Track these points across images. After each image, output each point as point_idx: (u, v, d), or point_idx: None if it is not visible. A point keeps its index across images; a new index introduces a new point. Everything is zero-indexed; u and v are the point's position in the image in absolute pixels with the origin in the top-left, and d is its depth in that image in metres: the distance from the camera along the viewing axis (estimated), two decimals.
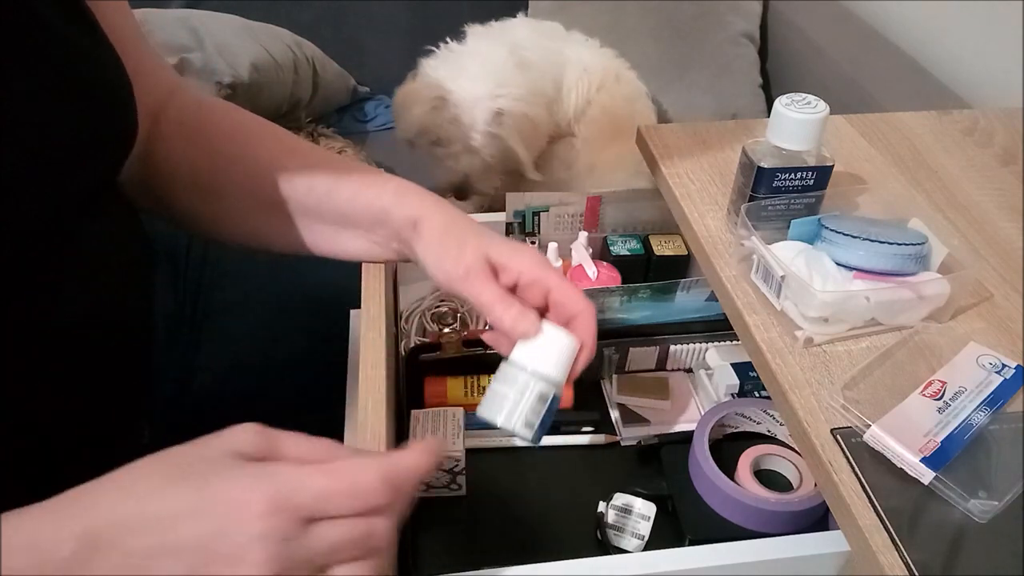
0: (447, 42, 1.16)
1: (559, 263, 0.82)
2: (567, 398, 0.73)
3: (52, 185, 0.45)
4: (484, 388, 0.72)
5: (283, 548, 0.35)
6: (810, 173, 0.60)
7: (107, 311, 0.55)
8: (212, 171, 0.59)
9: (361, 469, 0.37)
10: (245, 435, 0.38)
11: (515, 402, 0.50)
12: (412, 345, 0.75)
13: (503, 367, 0.52)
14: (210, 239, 0.64)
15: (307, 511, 0.36)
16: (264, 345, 0.76)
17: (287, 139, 0.61)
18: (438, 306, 0.84)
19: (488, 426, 0.70)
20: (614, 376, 0.76)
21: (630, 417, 0.73)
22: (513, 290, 0.53)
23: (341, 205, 0.57)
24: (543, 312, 0.53)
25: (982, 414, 0.49)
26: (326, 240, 0.59)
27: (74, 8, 0.48)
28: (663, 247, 0.82)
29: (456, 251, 0.53)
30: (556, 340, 0.51)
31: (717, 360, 0.74)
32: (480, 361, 0.73)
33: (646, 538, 0.61)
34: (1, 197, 0.42)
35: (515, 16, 1.38)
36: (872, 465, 0.46)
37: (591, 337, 0.52)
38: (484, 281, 0.52)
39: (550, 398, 0.51)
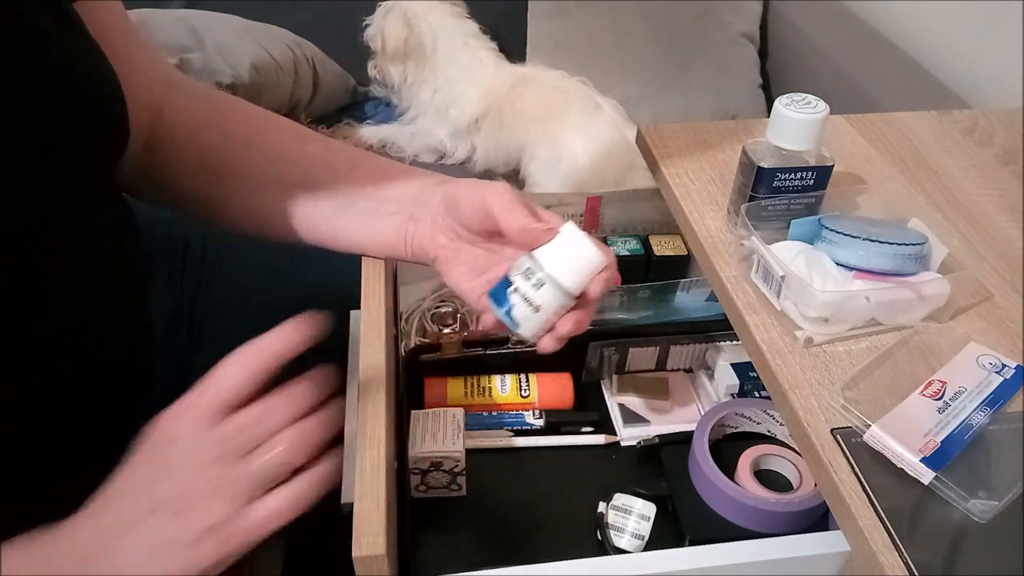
0: None
1: None
2: (567, 398, 0.73)
3: (38, 182, 0.45)
4: (484, 388, 0.73)
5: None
6: (810, 173, 0.60)
7: (101, 310, 0.55)
8: (224, 153, 0.59)
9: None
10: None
11: (521, 294, 0.49)
12: (412, 345, 0.75)
13: (520, 259, 0.50)
14: (207, 222, 0.63)
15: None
16: None
17: (306, 129, 0.63)
18: (438, 306, 0.84)
19: (487, 426, 0.71)
20: (614, 376, 0.76)
21: (630, 417, 0.73)
22: None
23: (360, 178, 0.57)
24: None
25: (982, 414, 0.49)
26: (328, 219, 0.59)
27: (56, 6, 0.48)
28: (663, 247, 0.82)
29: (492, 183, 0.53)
30: (578, 247, 0.49)
31: (717, 360, 0.74)
32: (480, 362, 0.73)
33: (646, 538, 0.61)
34: None
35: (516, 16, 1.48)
36: (872, 465, 0.46)
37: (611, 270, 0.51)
38: (514, 195, 0.51)
39: (556, 302, 0.49)
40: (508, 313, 0.50)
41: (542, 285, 0.49)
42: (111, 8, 0.56)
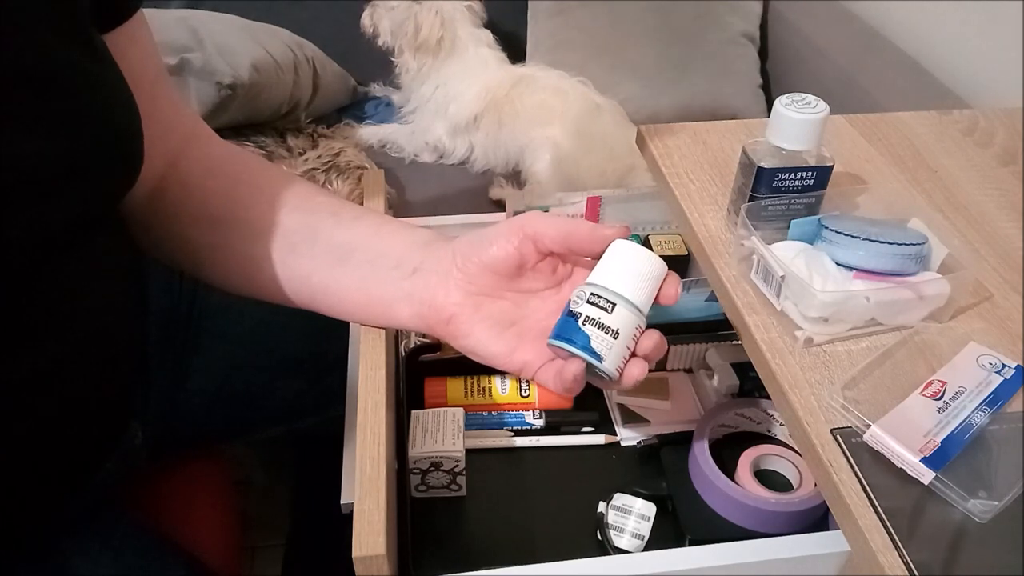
0: None
1: None
2: (567, 398, 0.73)
3: (43, 205, 0.45)
4: (484, 388, 0.73)
5: None
6: (810, 173, 0.60)
7: (99, 321, 0.55)
8: (229, 197, 0.57)
9: None
10: None
11: (592, 326, 0.46)
12: (412, 345, 0.75)
13: (577, 291, 0.48)
14: (193, 274, 0.61)
15: None
16: (263, 345, 0.76)
17: (318, 187, 0.61)
18: None
19: (487, 426, 0.71)
20: None
21: (630, 417, 0.73)
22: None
23: (364, 231, 0.55)
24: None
25: (982, 414, 0.49)
26: (321, 270, 0.55)
27: (82, 36, 0.47)
28: (663, 247, 0.82)
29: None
30: (636, 258, 0.48)
31: (717, 360, 0.73)
32: None
33: (646, 538, 0.61)
34: None
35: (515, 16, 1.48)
36: (872, 465, 0.46)
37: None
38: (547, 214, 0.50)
39: (632, 323, 0.47)
40: (587, 347, 0.46)
41: (614, 307, 0.47)
42: (146, 54, 0.56)
